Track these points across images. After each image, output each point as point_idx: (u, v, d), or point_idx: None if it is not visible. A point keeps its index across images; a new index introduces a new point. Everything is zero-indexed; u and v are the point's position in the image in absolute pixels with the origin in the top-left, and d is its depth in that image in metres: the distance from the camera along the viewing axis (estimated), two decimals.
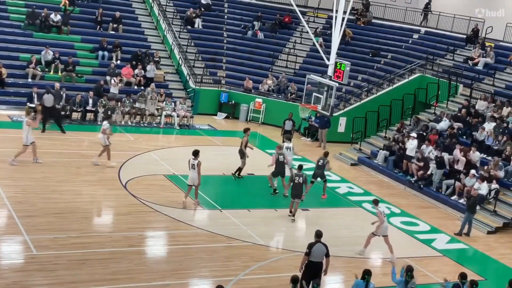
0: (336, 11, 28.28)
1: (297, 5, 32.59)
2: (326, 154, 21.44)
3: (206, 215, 18.44)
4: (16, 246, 14.69)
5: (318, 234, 13.61)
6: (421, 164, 22.98)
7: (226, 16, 36.85)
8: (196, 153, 18.45)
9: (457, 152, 22.72)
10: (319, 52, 29.84)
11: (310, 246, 13.42)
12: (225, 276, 12.91)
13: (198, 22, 35.02)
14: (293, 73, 33.43)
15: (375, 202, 17.20)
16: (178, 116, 27.96)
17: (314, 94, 28.05)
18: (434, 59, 30.95)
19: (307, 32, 32.29)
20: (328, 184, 22.77)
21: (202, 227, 17.33)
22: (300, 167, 18.96)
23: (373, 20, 36.93)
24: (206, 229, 17.16)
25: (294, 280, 12.01)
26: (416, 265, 16.13)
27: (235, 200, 20.32)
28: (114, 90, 27.58)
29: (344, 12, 28.28)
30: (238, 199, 20.42)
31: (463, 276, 13.12)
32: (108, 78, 28.58)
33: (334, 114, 28.02)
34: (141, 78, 29.89)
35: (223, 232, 16.79)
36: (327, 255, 13.55)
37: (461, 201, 21.23)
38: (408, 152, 23.86)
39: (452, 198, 21.84)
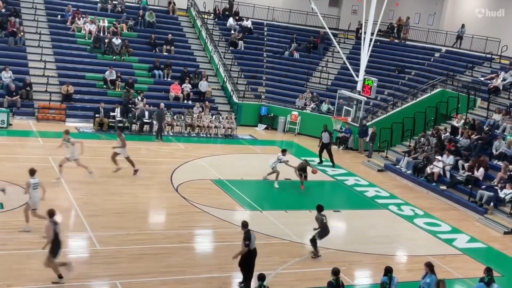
0: (365, 32, 28.13)
1: (329, 28, 32.50)
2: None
3: (248, 216, 18.39)
4: (82, 242, 14.92)
5: (245, 225, 13.24)
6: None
7: (265, 39, 36.93)
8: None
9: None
10: (349, 70, 29.69)
11: (249, 237, 13.00)
12: (265, 270, 12.85)
13: (241, 44, 35.21)
14: (325, 88, 33.29)
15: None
16: (223, 127, 28.19)
17: (344, 107, 27.95)
18: (454, 75, 30.44)
19: (338, 52, 32.13)
20: (357, 188, 22.65)
21: None
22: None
23: (396, 40, 36.63)
24: None
25: (335, 272, 11.84)
26: (439, 262, 15.89)
27: (274, 202, 20.27)
28: (140, 105, 27.72)
29: (372, 34, 28.10)
30: (277, 202, 20.37)
31: (488, 270, 12.80)
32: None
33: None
34: (190, 92, 30.22)
35: (263, 231, 16.74)
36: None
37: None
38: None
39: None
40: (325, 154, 25.44)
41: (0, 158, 20.33)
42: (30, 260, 13.37)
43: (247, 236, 13.04)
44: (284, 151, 21.94)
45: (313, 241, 15.56)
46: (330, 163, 25.23)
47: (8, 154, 21.23)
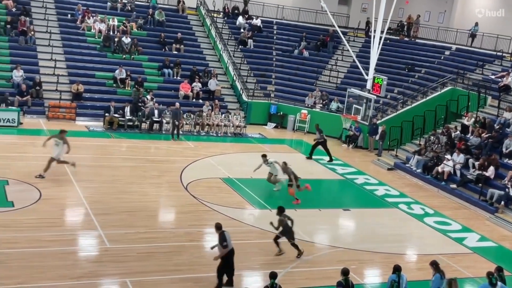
0: (374, 31, 28.07)
1: (339, 26, 32.44)
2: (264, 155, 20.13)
3: (258, 214, 18.44)
4: (92, 240, 14.99)
5: (219, 226, 13.06)
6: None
7: (274, 37, 36.90)
8: None
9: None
10: (358, 68, 29.61)
11: (225, 238, 12.78)
12: (274, 268, 12.82)
13: (250, 43, 35.22)
14: (335, 87, 33.23)
15: None
16: (232, 125, 28.24)
17: (354, 105, 27.92)
18: (465, 74, 30.28)
19: (348, 50, 32.07)
20: (367, 187, 22.58)
21: (254, 224, 17.35)
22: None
23: (406, 38, 36.51)
24: (257, 226, 17.17)
25: (344, 272, 11.83)
26: (449, 261, 15.85)
27: (283, 201, 20.19)
28: (149, 104, 27.77)
29: (382, 32, 28.04)
30: (286, 200, 20.29)
31: (499, 269, 12.75)
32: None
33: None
34: (200, 91, 30.28)
35: (273, 230, 16.70)
36: None
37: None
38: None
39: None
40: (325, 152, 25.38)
41: (11, 156, 20.45)
42: (42, 258, 13.45)
43: (223, 237, 12.87)
44: (264, 156, 20.33)
45: (293, 245, 15.01)
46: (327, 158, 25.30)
47: (19, 153, 21.36)
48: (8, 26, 29.65)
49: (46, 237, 14.55)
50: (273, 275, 11.61)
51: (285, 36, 37.06)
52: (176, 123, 26.01)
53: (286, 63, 34.95)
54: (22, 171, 18.83)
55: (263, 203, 19.12)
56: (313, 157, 25.39)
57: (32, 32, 29.79)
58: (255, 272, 14.47)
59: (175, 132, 26.10)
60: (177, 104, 26.84)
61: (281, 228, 14.99)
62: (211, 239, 16.32)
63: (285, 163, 19.76)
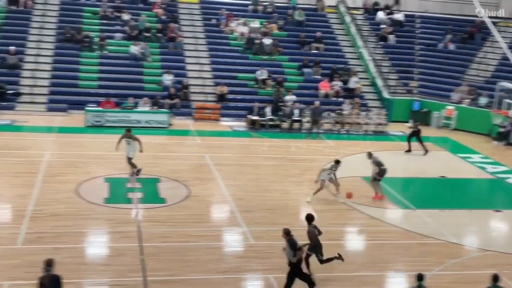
0: None
1: (488, 16, 30.66)
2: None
3: (400, 214, 17.94)
4: (237, 236, 15.46)
5: (288, 232, 12.15)
6: None
7: (418, 31, 35.68)
8: None
9: None
10: (510, 60, 27.73)
11: (296, 242, 12.03)
12: (419, 270, 12.37)
13: (391, 38, 34.37)
14: (484, 81, 31.38)
15: None
16: (373, 123, 27.79)
17: (505, 100, 26.24)
18: None
19: (498, 41, 30.14)
20: None
21: (396, 224, 16.90)
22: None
23: None
24: (400, 226, 16.72)
25: (495, 278, 11.15)
26: None
27: (428, 201, 19.51)
28: (290, 103, 27.96)
29: None
30: (431, 200, 19.59)
31: None
32: None
33: None
34: (340, 90, 30.11)
35: (417, 230, 16.20)
36: None
37: None
38: None
39: None
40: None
41: (161, 156, 21.72)
42: (190, 252, 14.14)
43: (293, 243, 12.07)
44: (369, 154, 18.92)
45: (322, 261, 13.36)
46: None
47: (168, 152, 22.67)
48: (160, 34, 31.57)
49: (194, 232, 15.29)
50: (420, 277, 11.26)
51: (429, 30, 35.71)
52: (314, 121, 26.10)
53: (429, 58, 33.67)
54: (172, 169, 19.95)
55: (406, 203, 18.56)
56: (461, 155, 24.24)
57: (180, 38, 31.49)
58: (399, 274, 14.07)
59: (314, 130, 26.21)
60: (317, 103, 26.92)
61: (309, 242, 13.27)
62: (352, 238, 16.24)
63: (369, 153, 18.97)
